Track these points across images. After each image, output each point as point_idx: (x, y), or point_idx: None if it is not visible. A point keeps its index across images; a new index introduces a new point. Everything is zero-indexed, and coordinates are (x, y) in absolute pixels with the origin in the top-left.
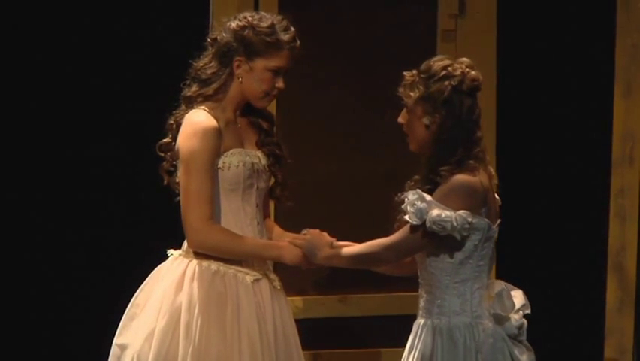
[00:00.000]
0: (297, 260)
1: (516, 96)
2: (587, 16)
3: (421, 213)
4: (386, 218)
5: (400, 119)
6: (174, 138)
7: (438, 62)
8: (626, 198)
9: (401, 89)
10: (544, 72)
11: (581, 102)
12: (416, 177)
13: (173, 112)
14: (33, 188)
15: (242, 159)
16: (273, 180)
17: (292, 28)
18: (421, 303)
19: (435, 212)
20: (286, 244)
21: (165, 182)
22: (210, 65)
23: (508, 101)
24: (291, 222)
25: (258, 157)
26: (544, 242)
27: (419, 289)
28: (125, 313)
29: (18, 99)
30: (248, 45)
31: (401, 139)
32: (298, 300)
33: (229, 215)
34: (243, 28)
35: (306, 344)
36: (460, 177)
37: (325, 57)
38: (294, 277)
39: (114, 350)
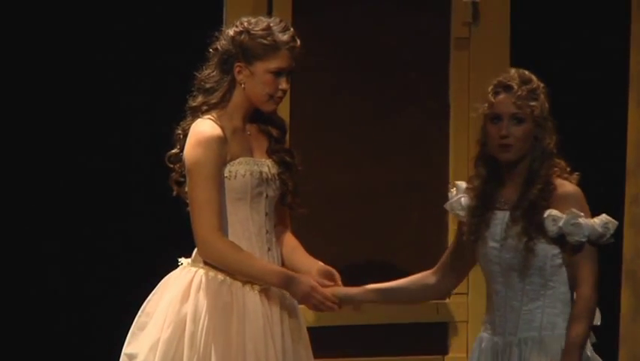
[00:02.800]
0: (301, 297)
1: None
2: (602, 24)
3: (587, 228)
4: (400, 226)
5: (505, 131)
6: (182, 149)
7: (529, 73)
8: None
9: (511, 101)
10: (558, 80)
11: (595, 110)
12: (475, 190)
13: (181, 123)
14: (43, 195)
15: (249, 168)
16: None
17: (291, 29)
18: (546, 318)
19: (595, 222)
20: (298, 275)
21: (175, 193)
22: (213, 74)
23: None
24: (306, 230)
25: (267, 165)
26: None
27: (544, 306)
28: (134, 323)
29: (33, 106)
30: (246, 50)
31: (416, 147)
32: None
33: (236, 224)
34: (240, 33)
35: (320, 352)
36: (575, 187)
37: (339, 64)
38: None
39: (123, 359)
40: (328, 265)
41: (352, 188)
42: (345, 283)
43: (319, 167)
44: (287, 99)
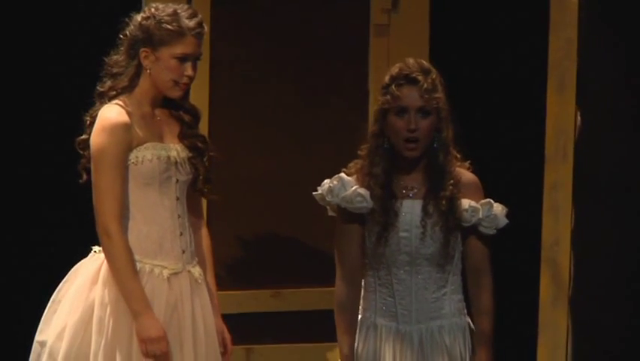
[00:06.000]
0: (145, 336)
1: (448, 91)
2: (521, 10)
3: (499, 219)
4: (321, 213)
5: (414, 125)
6: (90, 135)
7: (426, 62)
8: (559, 192)
9: (418, 94)
10: (478, 67)
11: (515, 97)
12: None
13: (90, 109)
14: None
15: (156, 153)
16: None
17: (199, 16)
18: (453, 304)
19: (502, 212)
20: (152, 316)
21: (84, 179)
22: (120, 59)
23: None
24: (226, 218)
25: (177, 150)
26: None
27: (449, 293)
28: (46, 310)
29: None
30: (151, 35)
31: (336, 134)
32: (231, 294)
33: (146, 209)
34: (147, 19)
35: (238, 339)
36: (474, 175)
37: (259, 52)
38: (228, 272)
39: (35, 347)
40: (251, 253)
41: (274, 175)
42: (267, 272)
43: (240, 155)
44: (206, 88)
